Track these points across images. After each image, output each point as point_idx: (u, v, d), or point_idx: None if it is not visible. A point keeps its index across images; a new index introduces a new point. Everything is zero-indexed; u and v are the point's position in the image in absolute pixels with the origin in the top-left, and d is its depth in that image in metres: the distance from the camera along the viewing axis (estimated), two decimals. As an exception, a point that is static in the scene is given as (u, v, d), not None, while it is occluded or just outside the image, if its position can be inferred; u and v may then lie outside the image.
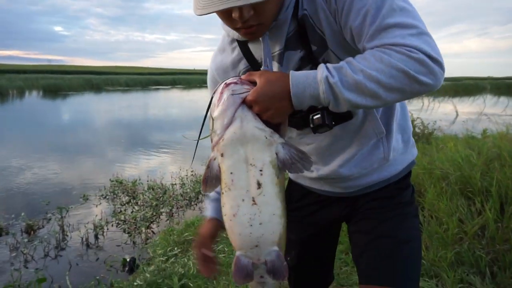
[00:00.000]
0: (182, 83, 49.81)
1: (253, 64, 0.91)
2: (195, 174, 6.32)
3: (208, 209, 1.03)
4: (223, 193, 0.78)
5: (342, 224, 1.18)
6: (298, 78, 0.74)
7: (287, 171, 0.81)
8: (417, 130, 6.08)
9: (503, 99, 21.70)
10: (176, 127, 12.70)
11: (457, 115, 12.28)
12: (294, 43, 0.86)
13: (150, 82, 44.48)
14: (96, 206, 5.19)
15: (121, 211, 4.96)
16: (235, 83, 0.76)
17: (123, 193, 5.59)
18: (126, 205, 5.21)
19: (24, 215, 4.50)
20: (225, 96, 0.75)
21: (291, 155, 0.77)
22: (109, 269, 3.43)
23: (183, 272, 2.31)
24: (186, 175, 6.28)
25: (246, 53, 0.92)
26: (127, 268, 3.42)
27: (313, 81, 0.73)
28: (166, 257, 2.79)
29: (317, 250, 1.16)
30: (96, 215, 4.69)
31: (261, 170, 0.75)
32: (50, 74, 51.60)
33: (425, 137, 5.71)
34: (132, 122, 13.87)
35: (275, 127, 0.78)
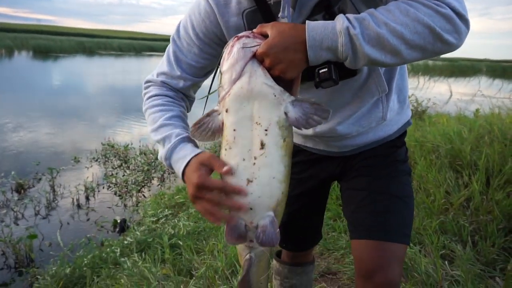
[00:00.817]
0: (177, 50, 48.84)
1: (261, 6, 0.82)
2: (188, 140, 6.31)
3: (186, 148, 0.82)
4: (224, 150, 0.75)
5: (331, 183, 1.19)
6: (315, 28, 0.68)
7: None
8: (411, 107, 6.10)
9: (497, 82, 21.74)
10: (170, 95, 12.55)
11: (451, 95, 12.31)
12: None
13: (144, 47, 43.49)
14: (87, 168, 5.18)
15: (112, 174, 4.97)
16: (247, 36, 0.72)
17: (114, 157, 5.58)
18: (118, 168, 5.22)
19: (14, 174, 4.48)
20: (235, 49, 0.70)
21: (304, 110, 0.72)
22: (99, 229, 3.48)
23: (173, 232, 2.35)
24: (179, 142, 6.28)
25: None
26: (117, 229, 3.47)
27: (331, 32, 0.68)
28: (156, 218, 2.83)
29: (307, 207, 1.17)
30: (87, 177, 4.70)
31: (266, 130, 0.71)
32: (40, 34, 50.01)
33: (418, 114, 5.75)
34: (125, 88, 13.67)
35: (287, 85, 0.72)
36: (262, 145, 0.72)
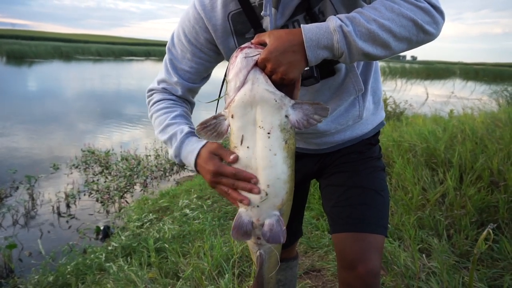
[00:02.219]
0: (157, 54, 48.28)
1: (246, 8, 0.88)
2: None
3: (192, 142, 0.89)
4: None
5: (310, 180, 1.23)
6: (311, 30, 0.74)
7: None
8: (389, 108, 6.27)
9: (470, 84, 22.52)
10: (150, 100, 12.43)
11: (427, 97, 12.68)
12: None
13: (123, 52, 42.88)
14: (67, 175, 5.09)
15: (93, 181, 4.89)
16: (249, 47, 0.76)
17: (95, 163, 5.49)
18: (99, 175, 5.14)
19: (-10, 183, 4.37)
20: (238, 59, 0.75)
21: (304, 111, 0.76)
22: (82, 237, 3.42)
23: (158, 236, 2.35)
24: (161, 147, 6.23)
25: None
26: (101, 236, 3.42)
27: (326, 31, 0.73)
28: (141, 223, 2.82)
29: None
30: (68, 184, 4.62)
31: (268, 133, 0.75)
32: (15, 39, 48.56)
33: (396, 116, 5.92)
34: (104, 93, 13.44)
35: (289, 90, 0.77)
36: (266, 148, 0.76)
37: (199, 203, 3.03)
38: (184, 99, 1.02)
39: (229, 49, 0.94)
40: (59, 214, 4.01)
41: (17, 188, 4.52)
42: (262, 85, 0.74)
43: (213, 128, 0.79)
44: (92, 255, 2.36)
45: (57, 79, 17.34)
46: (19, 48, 29.34)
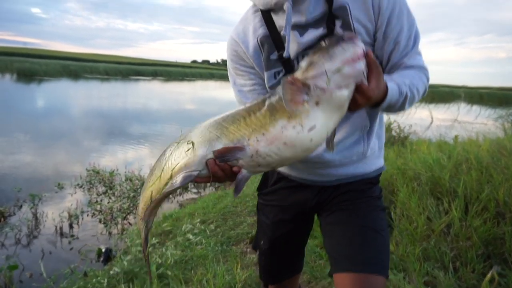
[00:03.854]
0: (163, 74, 49.07)
1: (272, 30, 1.00)
2: (174, 167, 6.29)
3: None
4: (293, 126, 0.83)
5: (314, 217, 1.25)
6: (392, 94, 0.89)
7: None
8: (393, 133, 6.27)
9: (475, 108, 22.54)
10: (156, 119, 12.55)
11: (432, 120, 12.69)
12: (320, 23, 0.96)
13: (131, 72, 43.59)
14: (71, 195, 5.09)
15: (97, 201, 4.89)
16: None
17: (99, 183, 5.50)
18: (103, 195, 5.14)
19: (-5, 201, 4.38)
20: (359, 66, 0.78)
21: (331, 135, 0.88)
22: (83, 259, 3.40)
23: (160, 262, 2.34)
24: (165, 168, 6.26)
25: (267, 20, 1.01)
26: (102, 258, 3.40)
27: (397, 96, 0.90)
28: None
29: (288, 236, 1.22)
30: (71, 204, 4.61)
31: None
32: (26, 57, 49.65)
33: (400, 140, 5.91)
34: (110, 112, 13.60)
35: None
36: None
37: (202, 227, 3.01)
38: None
39: (260, 65, 1.05)
40: (61, 234, 4.00)
41: (21, 206, 4.53)
42: (348, 103, 0.84)
43: (290, 96, 0.81)
44: (93, 279, 2.33)
45: (64, 97, 17.62)
46: (30, 66, 30.00)
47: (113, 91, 23.80)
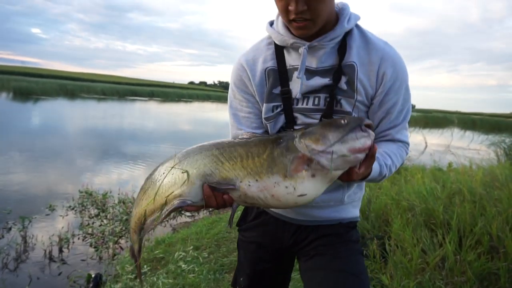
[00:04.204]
0: (160, 95, 49.37)
1: (281, 66, 1.05)
2: (168, 189, 6.25)
3: None
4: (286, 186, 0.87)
5: (295, 258, 1.24)
6: (373, 176, 0.96)
7: None
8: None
9: (468, 133, 22.82)
10: (151, 140, 12.54)
11: (426, 146, 12.80)
12: (327, 74, 1.02)
13: (128, 92, 43.85)
14: (63, 217, 5.01)
15: (89, 224, 4.81)
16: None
17: (92, 205, 5.43)
18: (95, 218, 5.06)
19: (-17, 224, 4.29)
20: (361, 156, 0.85)
21: None
22: (72, 285, 3.31)
23: (151, 291, 2.29)
24: (159, 190, 6.21)
25: (279, 55, 1.06)
26: (91, 285, 3.31)
27: (377, 175, 0.97)
28: (134, 275, 2.75)
29: (267, 274, 1.22)
30: (62, 227, 4.53)
31: None
32: (23, 76, 49.84)
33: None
34: (106, 132, 13.59)
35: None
36: None
37: (195, 254, 2.97)
38: None
39: (261, 95, 1.09)
40: (50, 258, 3.91)
41: (10, 229, 4.44)
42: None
43: (289, 166, 0.86)
44: (81, 309, 2.27)
45: (60, 116, 17.62)
46: (26, 85, 30.08)
47: (109, 111, 23.85)
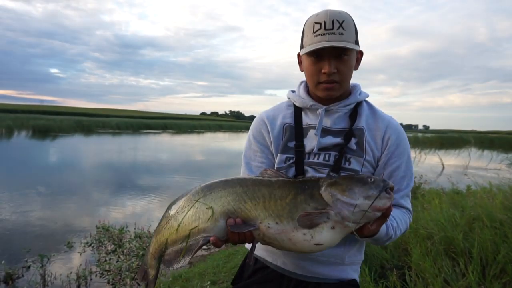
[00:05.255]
0: (173, 127, 50.19)
1: (297, 125, 1.18)
2: (183, 222, 6.25)
3: None
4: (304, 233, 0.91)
5: None
6: (380, 236, 1.02)
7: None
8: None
9: (487, 153, 22.32)
10: (165, 172, 12.66)
11: (443, 167, 12.55)
12: (339, 135, 1.14)
13: (141, 125, 44.73)
14: (80, 254, 5.04)
15: (106, 260, 4.81)
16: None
17: (109, 241, 5.44)
18: (112, 254, 5.06)
19: (4, 263, 4.35)
20: (378, 215, 0.90)
21: None
22: (91, 324, 3.30)
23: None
24: (175, 224, 6.21)
25: (297, 115, 1.19)
26: (109, 324, 3.29)
27: (384, 236, 1.04)
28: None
29: None
30: (80, 264, 4.56)
31: None
32: (41, 114, 51.51)
33: (412, 191, 5.84)
34: (120, 165, 13.80)
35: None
36: None
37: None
38: None
39: (277, 146, 1.18)
40: (69, 297, 3.91)
41: (29, 267, 4.48)
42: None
43: (312, 219, 0.88)
44: None
45: (77, 152, 18.02)
46: (44, 123, 31.06)
47: (124, 144, 24.30)
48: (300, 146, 1.14)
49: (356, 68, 1.13)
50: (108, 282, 4.23)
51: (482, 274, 2.08)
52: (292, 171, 1.13)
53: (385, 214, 0.91)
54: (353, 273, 1.19)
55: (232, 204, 0.90)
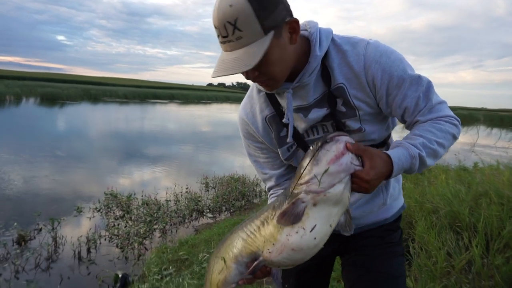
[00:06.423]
0: (180, 98, 50.06)
1: (278, 110, 1.05)
2: (189, 191, 6.36)
3: None
4: (296, 231, 0.85)
5: (335, 257, 1.27)
6: (400, 162, 0.89)
7: None
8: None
9: (495, 131, 22.04)
10: (172, 142, 12.76)
11: (450, 145, 12.38)
12: (322, 103, 1.00)
13: (148, 95, 44.66)
14: (90, 219, 5.18)
15: (114, 225, 4.96)
16: (353, 154, 0.84)
17: (117, 207, 5.59)
18: (120, 219, 5.21)
19: (16, 225, 4.49)
20: (345, 160, 0.83)
21: (345, 220, 0.90)
22: (101, 284, 3.43)
23: (177, 292, 2.35)
24: (181, 192, 6.32)
25: (272, 100, 1.06)
26: (119, 284, 3.42)
27: (409, 160, 0.90)
28: (160, 276, 2.82)
29: (312, 280, 1.25)
30: (90, 228, 4.69)
31: (330, 227, 0.87)
32: (48, 82, 51.53)
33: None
34: (128, 135, 13.91)
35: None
36: (324, 239, 0.88)
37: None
38: (284, 181, 1.16)
39: (271, 142, 1.10)
40: (79, 259, 4.05)
41: (41, 230, 4.63)
42: (348, 192, 0.85)
43: (291, 213, 0.85)
44: (111, 308, 2.35)
45: (84, 120, 18.14)
46: (52, 90, 31.13)
47: (131, 114, 24.38)
48: (286, 140, 1.03)
49: (294, 40, 0.90)
50: (117, 246, 4.37)
51: (486, 248, 2.10)
52: (301, 154, 1.07)
53: (356, 150, 0.83)
54: (395, 202, 1.15)
55: (236, 246, 0.93)
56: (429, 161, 0.92)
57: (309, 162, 0.85)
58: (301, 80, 0.96)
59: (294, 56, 0.93)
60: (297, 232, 0.84)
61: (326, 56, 0.97)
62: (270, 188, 1.18)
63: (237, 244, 0.93)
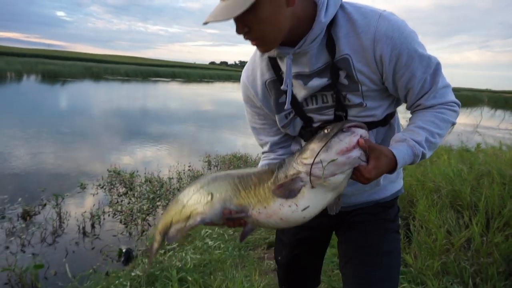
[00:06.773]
0: (182, 76, 49.65)
1: (279, 75, 1.03)
2: (192, 169, 6.40)
3: None
4: (288, 205, 0.89)
5: (332, 233, 1.28)
6: (403, 161, 0.91)
7: None
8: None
9: (499, 113, 21.91)
10: (175, 120, 12.75)
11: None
12: (324, 73, 0.97)
13: (150, 73, 44.32)
14: (93, 195, 5.25)
15: (117, 201, 5.02)
16: (362, 149, 0.86)
17: (120, 184, 5.65)
18: (123, 196, 5.28)
19: (21, 200, 4.56)
20: (353, 154, 0.84)
21: (334, 201, 0.93)
22: (105, 259, 3.51)
23: (180, 265, 2.40)
24: (184, 170, 6.35)
25: (274, 65, 1.03)
26: (123, 259, 3.50)
27: (412, 158, 0.92)
28: (163, 250, 2.88)
29: (306, 254, 1.27)
30: (94, 205, 4.76)
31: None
32: (49, 59, 51.10)
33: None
34: (130, 112, 13.90)
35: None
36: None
37: (221, 231, 3.07)
38: (278, 148, 1.17)
39: (269, 108, 1.09)
40: (84, 234, 4.13)
41: (45, 205, 4.69)
42: (346, 183, 0.89)
43: (290, 190, 0.88)
44: (116, 281, 2.41)
45: (86, 98, 18.08)
46: (53, 68, 30.90)
47: (133, 92, 24.28)
48: (284, 107, 1.01)
49: (292, 3, 0.85)
50: (121, 222, 4.45)
51: (486, 226, 2.12)
52: (298, 122, 1.06)
53: (367, 147, 0.84)
54: (392, 185, 1.14)
55: (229, 192, 0.96)
56: (428, 154, 0.95)
57: (320, 147, 0.86)
58: (303, 47, 0.92)
59: (291, 20, 0.89)
60: (289, 206, 0.88)
61: (333, 24, 0.92)
62: (264, 153, 1.20)
63: (230, 192, 0.96)
